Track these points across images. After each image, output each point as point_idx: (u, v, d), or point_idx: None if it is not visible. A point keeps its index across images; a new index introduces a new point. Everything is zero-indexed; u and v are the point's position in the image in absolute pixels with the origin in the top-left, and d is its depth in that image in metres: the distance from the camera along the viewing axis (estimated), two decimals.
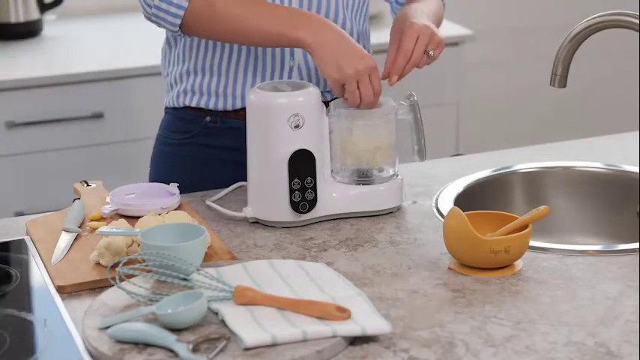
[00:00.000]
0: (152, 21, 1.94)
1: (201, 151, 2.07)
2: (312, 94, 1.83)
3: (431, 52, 1.90)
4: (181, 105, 2.07)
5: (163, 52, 2.11)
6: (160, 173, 2.12)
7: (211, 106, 2.04)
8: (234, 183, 2.01)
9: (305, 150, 1.81)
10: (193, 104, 2.05)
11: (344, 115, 1.86)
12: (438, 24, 2.02)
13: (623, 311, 1.54)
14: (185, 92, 2.06)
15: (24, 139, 3.00)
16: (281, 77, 2.01)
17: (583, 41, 1.89)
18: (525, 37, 4.14)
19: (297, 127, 1.81)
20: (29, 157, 3.03)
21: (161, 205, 1.86)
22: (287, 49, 1.99)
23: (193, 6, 1.89)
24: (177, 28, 1.92)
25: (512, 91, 4.21)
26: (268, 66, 2.00)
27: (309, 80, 2.01)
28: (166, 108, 2.12)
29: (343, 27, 2.00)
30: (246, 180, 1.91)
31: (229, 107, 2.03)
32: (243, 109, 2.00)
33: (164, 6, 1.89)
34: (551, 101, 4.17)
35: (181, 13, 1.89)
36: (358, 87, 1.83)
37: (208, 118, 2.06)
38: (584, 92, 4.21)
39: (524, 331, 1.49)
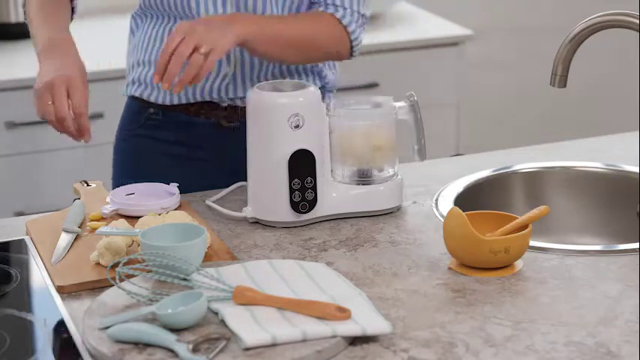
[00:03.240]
0: None
1: (146, 142, 2.10)
2: (312, 94, 1.83)
3: (203, 49, 1.78)
4: (129, 94, 2.12)
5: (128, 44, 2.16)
6: (116, 164, 2.18)
7: (152, 99, 2.07)
8: (175, 177, 1.98)
9: (305, 150, 1.81)
10: (137, 94, 2.09)
11: (344, 115, 1.86)
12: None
13: (623, 311, 1.54)
14: (133, 82, 2.10)
15: (24, 139, 3.00)
16: (214, 81, 2.02)
17: (583, 41, 1.89)
18: (525, 37, 4.14)
19: (297, 127, 1.81)
20: (29, 157, 3.03)
21: (162, 205, 1.86)
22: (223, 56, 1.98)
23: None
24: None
25: (512, 91, 4.21)
26: None
27: (244, 85, 2.02)
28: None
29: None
30: (187, 174, 1.90)
31: (167, 102, 2.06)
32: (188, 105, 2.03)
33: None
34: (551, 101, 4.17)
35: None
36: (53, 101, 1.81)
37: (152, 110, 2.09)
38: (584, 92, 4.21)
39: (524, 331, 1.49)
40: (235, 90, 2.03)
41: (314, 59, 2.02)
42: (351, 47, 2.01)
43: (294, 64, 2.03)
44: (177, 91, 1.80)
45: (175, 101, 2.05)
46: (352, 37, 2.00)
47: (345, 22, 1.98)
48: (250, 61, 2.02)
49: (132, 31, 2.13)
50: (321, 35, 1.98)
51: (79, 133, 1.80)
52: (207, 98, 2.03)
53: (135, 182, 1.95)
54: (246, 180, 1.89)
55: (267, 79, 2.03)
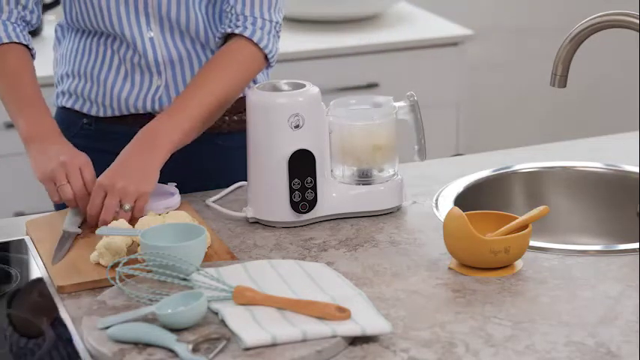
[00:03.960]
0: None
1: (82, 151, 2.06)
2: (312, 94, 1.83)
3: (127, 207, 1.79)
4: (60, 105, 2.09)
5: (54, 52, 2.13)
6: None
7: (85, 111, 2.05)
8: None
9: (305, 150, 1.81)
10: (69, 106, 2.07)
11: (344, 115, 1.86)
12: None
13: (623, 311, 1.54)
14: (63, 93, 2.08)
15: None
16: (147, 95, 2.00)
17: (583, 41, 1.89)
18: (525, 37, 4.14)
19: (297, 127, 1.81)
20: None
21: (165, 206, 1.86)
22: (153, 69, 1.98)
23: None
24: None
25: (512, 91, 4.21)
26: (137, 82, 2.00)
27: (178, 92, 2.00)
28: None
29: (197, 31, 1.98)
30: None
31: (101, 114, 2.04)
32: (121, 117, 2.02)
33: None
34: (551, 101, 4.17)
35: None
36: (69, 181, 1.82)
37: (85, 120, 2.07)
38: (584, 92, 4.21)
39: (524, 331, 1.49)
40: (170, 99, 2.00)
41: (241, 92, 1.99)
42: (267, 60, 1.98)
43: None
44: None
45: (109, 114, 2.03)
46: (266, 52, 1.95)
47: (256, 39, 1.94)
48: (181, 70, 2.00)
49: (58, 41, 2.11)
50: (241, 74, 1.94)
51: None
52: (141, 111, 2.01)
53: None
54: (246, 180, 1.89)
55: None
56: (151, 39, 1.97)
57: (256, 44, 1.94)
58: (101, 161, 1.92)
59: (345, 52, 3.30)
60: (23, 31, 1.98)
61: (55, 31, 2.13)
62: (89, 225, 1.81)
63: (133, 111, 2.02)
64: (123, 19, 1.96)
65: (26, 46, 1.98)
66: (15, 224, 1.89)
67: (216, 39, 1.99)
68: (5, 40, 1.95)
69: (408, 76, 3.39)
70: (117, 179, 1.80)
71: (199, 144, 1.97)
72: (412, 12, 3.65)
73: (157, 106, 2.01)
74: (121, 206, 1.79)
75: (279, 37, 1.99)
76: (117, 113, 2.03)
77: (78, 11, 2.00)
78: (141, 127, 1.90)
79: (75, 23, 2.03)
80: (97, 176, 1.84)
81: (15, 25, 1.97)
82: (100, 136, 2.05)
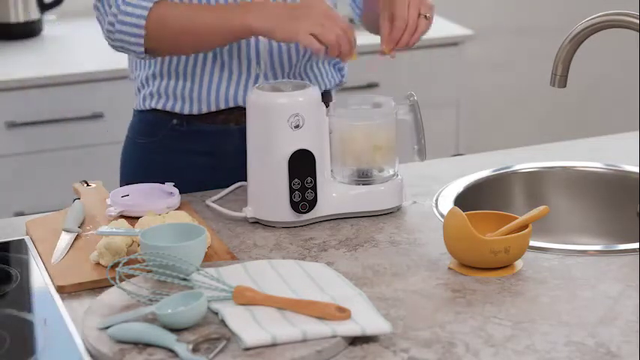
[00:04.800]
0: (119, 52, 1.99)
1: (169, 154, 2.06)
2: (312, 94, 1.83)
3: (427, 15, 1.88)
4: (147, 108, 2.07)
5: (130, 55, 2.09)
6: (128, 175, 2.12)
7: (177, 110, 2.04)
8: (200, 187, 1.99)
9: (305, 150, 1.81)
10: (159, 107, 2.05)
11: (344, 115, 1.86)
12: None
13: (623, 311, 1.54)
14: (151, 95, 2.06)
15: (24, 139, 3.00)
16: (247, 85, 2.01)
17: (583, 41, 1.89)
18: (525, 37, 4.14)
19: (297, 127, 1.81)
20: (29, 157, 3.03)
21: (166, 205, 1.86)
22: (253, 56, 1.99)
23: (149, 32, 1.92)
24: (144, 55, 1.95)
25: (512, 91, 4.21)
26: (234, 72, 2.00)
27: None
28: (134, 111, 2.13)
29: None
30: (212, 185, 1.90)
31: (195, 111, 2.03)
32: (210, 114, 2.01)
33: (125, 38, 1.93)
34: (551, 101, 4.17)
35: (141, 41, 1.92)
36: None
37: (175, 121, 2.05)
38: (584, 92, 4.21)
39: (524, 331, 1.49)
40: None
41: None
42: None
43: None
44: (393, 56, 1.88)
45: (204, 110, 2.02)
46: None
47: None
48: (279, 58, 2.01)
49: None
50: None
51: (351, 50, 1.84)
52: (232, 104, 2.01)
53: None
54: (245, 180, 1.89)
55: (291, 79, 2.03)
56: None
57: None
58: (191, 162, 1.94)
59: None
60: None
61: None
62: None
63: (231, 104, 2.01)
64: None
65: None
66: (15, 224, 1.89)
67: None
68: None
69: (408, 76, 3.39)
70: None
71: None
72: None
73: None
74: (420, 15, 1.87)
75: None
76: (213, 108, 2.01)
77: None
78: (233, 125, 1.95)
79: None
80: (183, 180, 1.91)
81: None
82: (191, 136, 2.04)
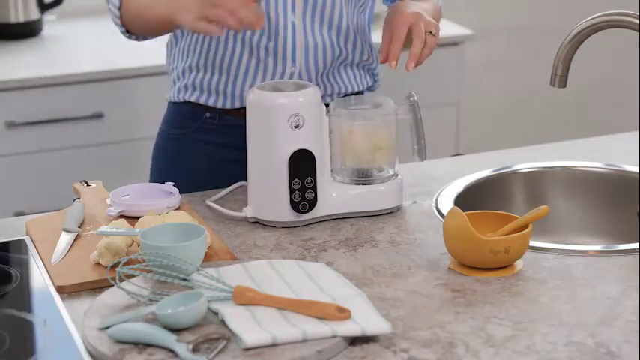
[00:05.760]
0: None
1: (200, 147, 2.08)
2: (312, 94, 1.83)
3: (433, 31, 1.91)
4: (181, 100, 2.09)
5: (168, 47, 2.14)
6: (159, 168, 2.14)
7: (210, 103, 2.05)
8: (230, 181, 2.01)
9: (305, 150, 1.81)
10: (193, 99, 2.07)
11: (344, 115, 1.86)
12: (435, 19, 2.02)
13: (623, 311, 1.54)
14: (186, 87, 2.07)
15: (24, 139, 3.00)
16: None
17: (583, 41, 1.89)
18: (525, 37, 4.14)
19: (297, 127, 1.81)
20: (29, 157, 3.03)
21: (166, 205, 1.86)
22: (289, 54, 1.99)
23: (122, 13, 1.99)
24: (127, 34, 2.03)
25: (512, 91, 4.21)
26: (269, 69, 2.01)
27: None
28: (169, 102, 2.15)
29: (340, 19, 2.00)
30: (243, 179, 1.91)
31: (228, 106, 2.04)
32: (243, 109, 2.00)
33: (113, 18, 2.01)
34: (551, 101, 4.17)
35: (119, 21, 2.00)
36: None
37: (207, 114, 2.07)
38: (584, 92, 4.21)
39: (524, 331, 1.49)
40: None
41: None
42: None
43: None
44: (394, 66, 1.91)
45: (237, 104, 2.03)
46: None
47: None
48: (314, 57, 2.01)
49: (175, 36, 2.10)
50: None
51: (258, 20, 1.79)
52: None
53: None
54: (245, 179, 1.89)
55: (324, 80, 2.03)
56: (293, 23, 1.97)
57: None
58: (223, 156, 1.94)
59: None
60: None
61: None
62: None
63: None
64: (270, 3, 1.96)
65: None
66: (15, 224, 1.89)
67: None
68: None
69: (408, 76, 3.38)
70: (418, 14, 1.92)
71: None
72: None
73: None
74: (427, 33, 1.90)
75: None
76: (246, 104, 2.01)
77: None
78: None
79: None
80: (213, 173, 1.97)
81: None
82: (223, 129, 2.06)
